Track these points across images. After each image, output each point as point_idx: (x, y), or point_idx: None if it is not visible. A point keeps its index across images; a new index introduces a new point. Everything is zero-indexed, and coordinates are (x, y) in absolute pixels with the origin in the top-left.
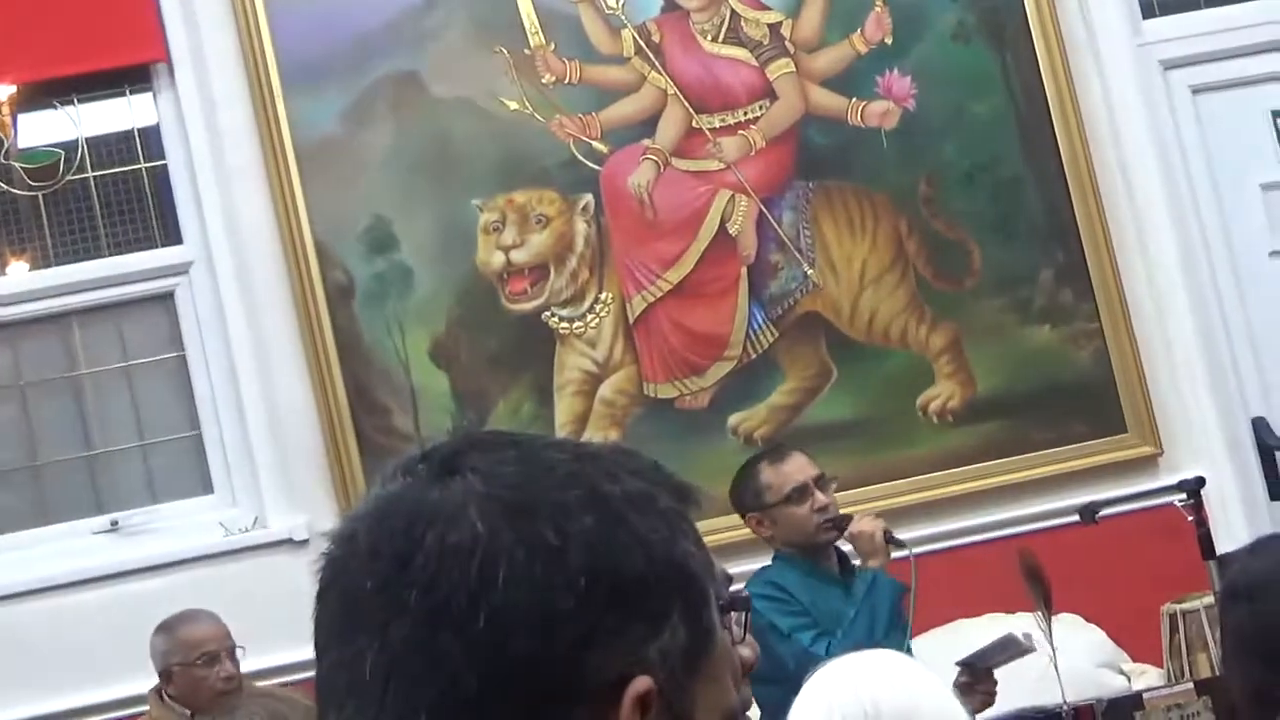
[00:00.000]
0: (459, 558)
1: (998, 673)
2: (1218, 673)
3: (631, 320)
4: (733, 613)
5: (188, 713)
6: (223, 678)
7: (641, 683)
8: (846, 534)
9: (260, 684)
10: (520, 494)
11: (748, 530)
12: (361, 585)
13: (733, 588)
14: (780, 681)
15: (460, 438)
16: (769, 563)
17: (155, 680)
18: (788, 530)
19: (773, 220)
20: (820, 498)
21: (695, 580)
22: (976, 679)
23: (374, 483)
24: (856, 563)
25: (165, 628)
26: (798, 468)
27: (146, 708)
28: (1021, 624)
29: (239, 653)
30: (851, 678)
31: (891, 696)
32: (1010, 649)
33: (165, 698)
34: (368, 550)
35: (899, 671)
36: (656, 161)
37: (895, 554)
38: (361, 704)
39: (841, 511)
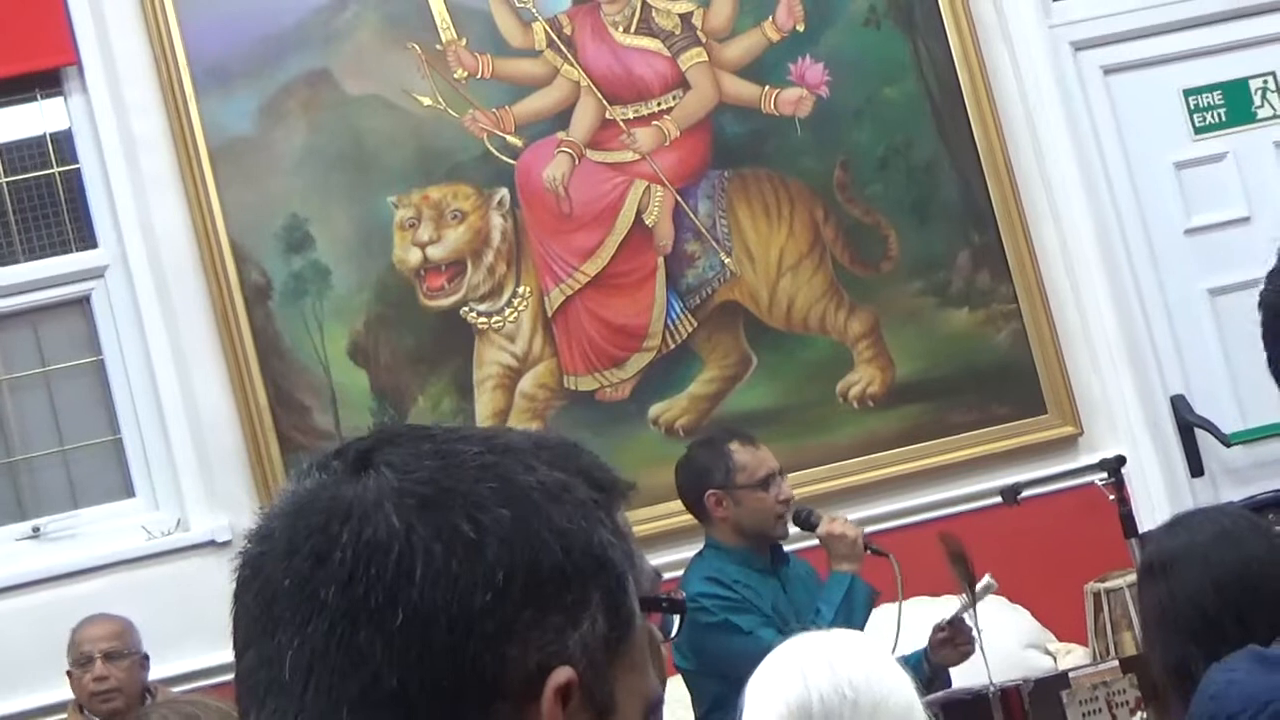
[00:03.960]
0: (376, 554)
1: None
2: (1141, 650)
3: (550, 313)
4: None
5: None
6: (93, 678)
7: (561, 674)
8: (820, 534)
9: (175, 689)
10: (435, 488)
11: (673, 522)
12: (280, 583)
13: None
14: (732, 678)
15: (375, 433)
16: (700, 553)
17: None
18: (748, 514)
19: (689, 210)
20: (786, 489)
21: (613, 569)
22: (955, 634)
23: (290, 479)
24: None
25: (72, 630)
26: (768, 455)
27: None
28: (950, 607)
29: (143, 659)
30: (826, 657)
31: (866, 679)
32: (981, 595)
33: (82, 710)
34: (285, 548)
35: (872, 655)
36: (571, 154)
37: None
38: (282, 702)
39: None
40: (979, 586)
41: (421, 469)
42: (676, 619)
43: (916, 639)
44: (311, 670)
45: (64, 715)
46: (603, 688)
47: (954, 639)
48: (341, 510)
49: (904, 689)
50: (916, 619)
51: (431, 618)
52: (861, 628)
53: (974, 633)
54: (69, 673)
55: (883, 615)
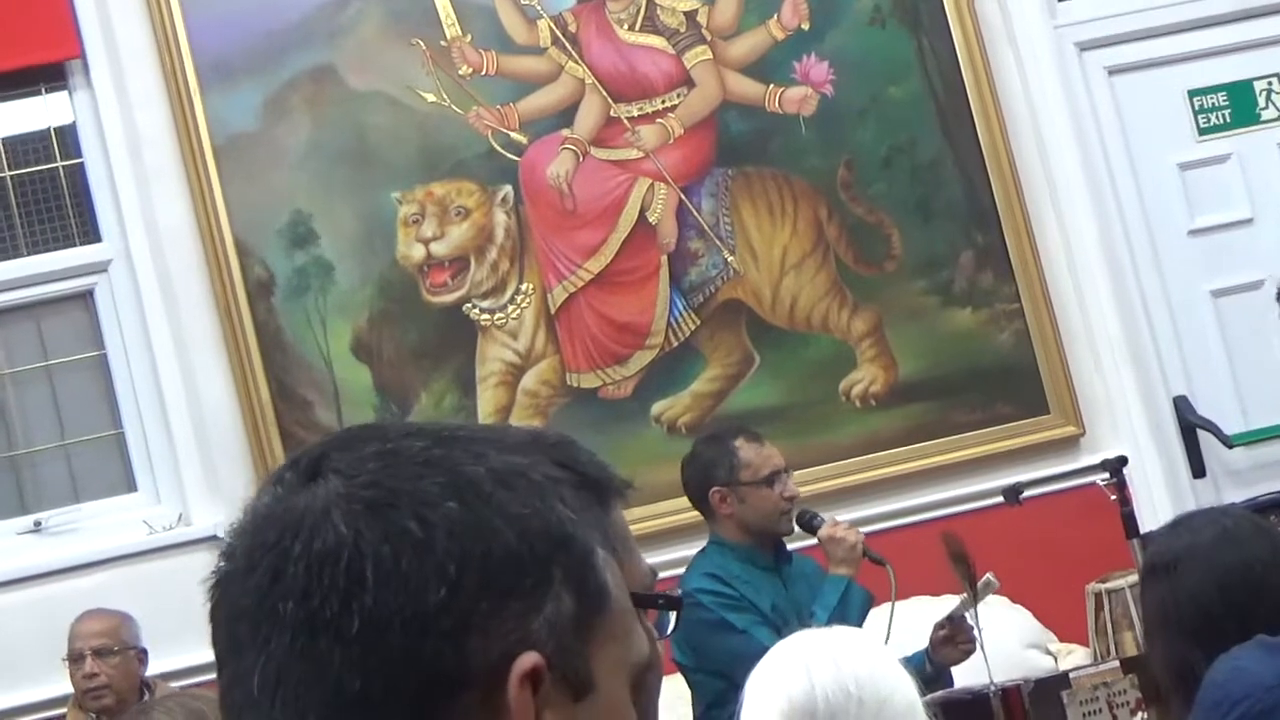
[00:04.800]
0: (327, 564)
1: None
2: (1143, 650)
3: (553, 310)
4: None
5: (95, 715)
6: (83, 675)
7: (526, 660)
8: (820, 537)
9: (175, 685)
10: (380, 490)
11: (674, 520)
12: (242, 602)
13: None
14: (727, 676)
15: (326, 439)
16: (704, 549)
17: None
18: (752, 511)
19: (692, 208)
20: (791, 486)
21: (575, 545)
22: (955, 632)
23: (255, 493)
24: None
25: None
26: (774, 452)
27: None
28: (949, 605)
29: (141, 654)
30: (831, 653)
31: (871, 677)
32: (982, 594)
33: (81, 705)
34: (245, 567)
35: (876, 653)
36: (575, 151)
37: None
38: (254, 718)
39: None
40: (980, 584)
41: (366, 472)
42: (672, 616)
43: (918, 639)
44: (278, 685)
45: (65, 709)
46: (577, 667)
47: (955, 637)
48: (293, 523)
49: (907, 688)
50: (917, 619)
51: (387, 620)
52: None
53: (974, 631)
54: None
55: (875, 622)
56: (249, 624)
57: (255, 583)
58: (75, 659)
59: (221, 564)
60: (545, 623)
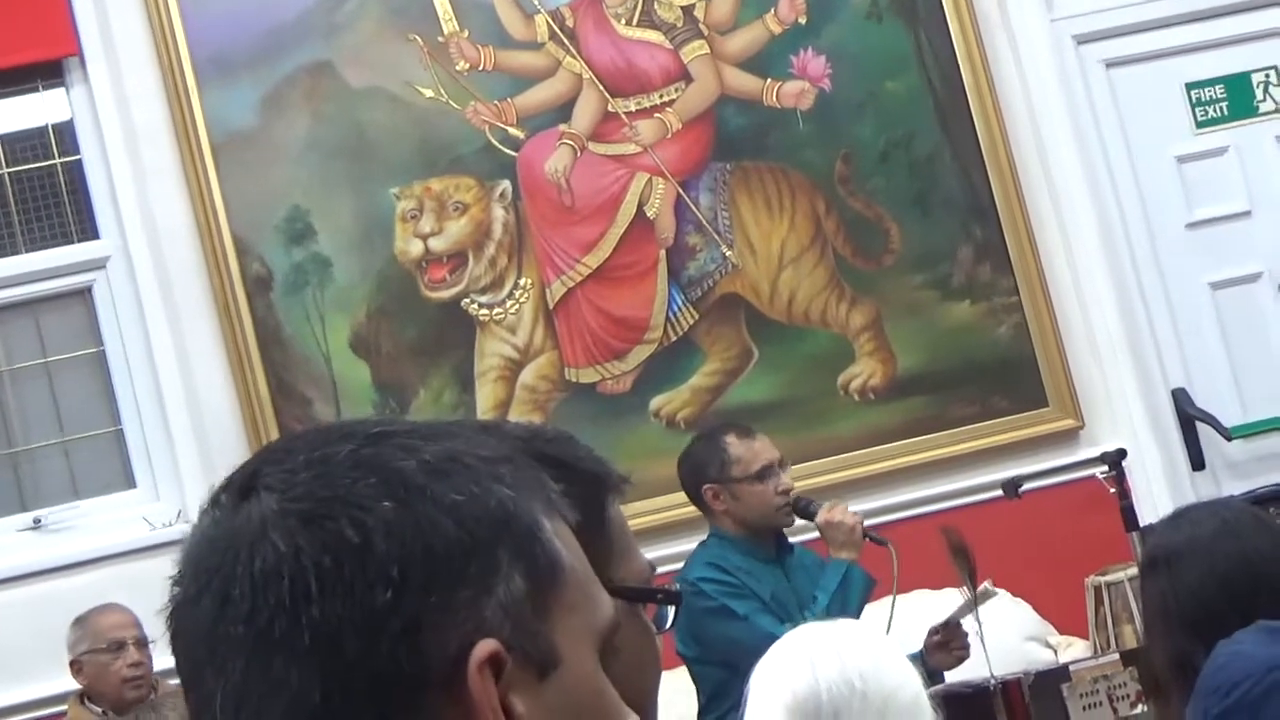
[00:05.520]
0: (270, 582)
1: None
2: (1142, 643)
3: (551, 305)
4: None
5: (103, 712)
6: (129, 664)
7: (482, 648)
8: (818, 523)
9: (174, 683)
10: (313, 500)
11: (673, 514)
12: (195, 629)
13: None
14: (730, 665)
15: (256, 455)
16: (704, 541)
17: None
18: (747, 507)
19: (690, 202)
20: (785, 480)
21: (518, 523)
22: (950, 638)
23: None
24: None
25: (78, 620)
26: (766, 446)
27: (66, 708)
28: (948, 602)
29: (152, 647)
30: (835, 647)
31: (875, 670)
32: (981, 602)
33: (84, 701)
34: (193, 593)
35: (880, 646)
36: (573, 146)
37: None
38: None
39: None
40: (979, 591)
41: (297, 484)
42: (671, 611)
43: (915, 633)
44: (240, 708)
45: (64, 707)
46: (537, 643)
47: (949, 643)
48: (234, 545)
49: (912, 681)
50: (916, 612)
51: (337, 631)
52: (857, 616)
53: (969, 637)
54: (74, 662)
55: (878, 605)
56: (204, 649)
57: (204, 609)
58: (115, 648)
59: (172, 592)
60: (498, 606)
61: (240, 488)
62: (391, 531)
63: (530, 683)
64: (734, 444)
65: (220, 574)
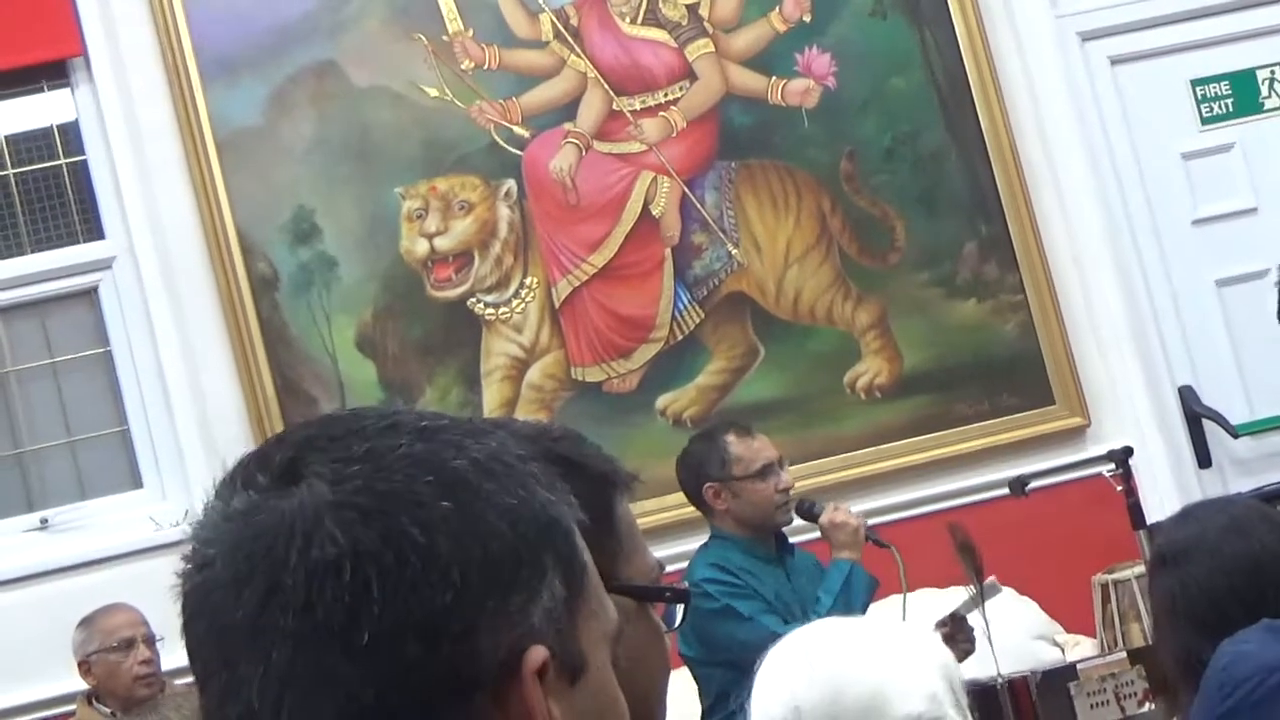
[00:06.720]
0: (328, 576)
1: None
2: (1150, 641)
3: (557, 304)
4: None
5: (112, 713)
6: (140, 662)
7: (536, 655)
8: (821, 524)
9: (179, 683)
10: (371, 495)
11: (679, 513)
12: (231, 615)
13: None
14: (736, 666)
15: (296, 438)
16: (706, 542)
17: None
18: (747, 506)
19: (695, 201)
20: (785, 478)
21: (559, 527)
22: (955, 631)
23: (216, 495)
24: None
25: (85, 621)
26: (766, 445)
27: (75, 708)
28: (955, 598)
29: (159, 644)
30: (835, 645)
31: (875, 669)
32: (986, 597)
33: (93, 702)
34: (230, 578)
35: (881, 644)
36: (578, 145)
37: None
38: None
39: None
40: (985, 585)
41: (354, 476)
42: (680, 609)
43: (922, 631)
44: (282, 698)
45: (72, 707)
46: (571, 648)
47: (955, 635)
48: (283, 532)
49: (915, 679)
50: (923, 611)
51: (397, 631)
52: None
53: (974, 631)
54: (83, 663)
55: (887, 608)
56: (244, 637)
57: (249, 595)
58: (124, 647)
59: (195, 573)
60: (544, 612)
61: (282, 470)
62: (453, 533)
63: (564, 688)
64: (734, 443)
65: (267, 561)
